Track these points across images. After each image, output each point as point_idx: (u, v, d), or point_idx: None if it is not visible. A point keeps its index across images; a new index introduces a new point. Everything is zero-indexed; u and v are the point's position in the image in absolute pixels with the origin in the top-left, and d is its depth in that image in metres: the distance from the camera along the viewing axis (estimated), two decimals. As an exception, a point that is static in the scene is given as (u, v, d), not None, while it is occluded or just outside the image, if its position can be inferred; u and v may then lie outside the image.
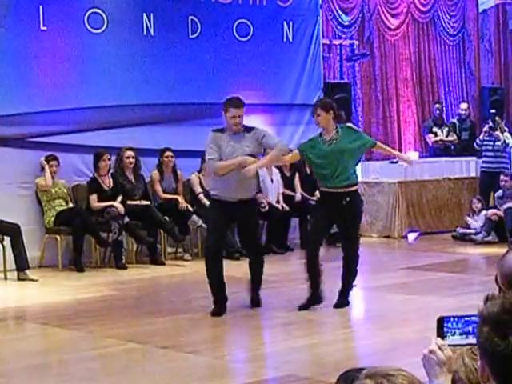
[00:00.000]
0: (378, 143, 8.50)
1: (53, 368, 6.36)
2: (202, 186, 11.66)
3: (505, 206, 12.34)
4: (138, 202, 11.08)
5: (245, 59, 12.50)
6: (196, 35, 12.14)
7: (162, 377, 5.95)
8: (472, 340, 2.36)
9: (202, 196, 11.57)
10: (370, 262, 11.73)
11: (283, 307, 7.97)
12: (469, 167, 14.34)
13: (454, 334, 2.44)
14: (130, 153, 11.18)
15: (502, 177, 12.97)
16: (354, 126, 8.31)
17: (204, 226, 11.33)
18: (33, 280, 9.77)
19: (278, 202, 12.07)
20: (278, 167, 12.15)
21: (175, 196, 11.46)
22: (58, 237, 10.64)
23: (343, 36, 14.72)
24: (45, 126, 10.92)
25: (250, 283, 8.14)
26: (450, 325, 2.44)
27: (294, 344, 6.83)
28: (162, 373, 6.02)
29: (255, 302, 8.10)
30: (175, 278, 10.19)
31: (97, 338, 7.11)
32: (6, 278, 9.94)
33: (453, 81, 16.37)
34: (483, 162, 13.86)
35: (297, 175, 12.46)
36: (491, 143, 13.76)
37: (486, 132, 13.87)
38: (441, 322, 2.44)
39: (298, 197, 12.30)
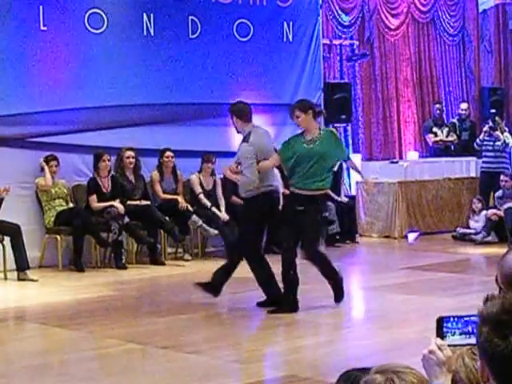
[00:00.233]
0: (352, 159, 8.57)
1: (53, 368, 6.36)
2: (202, 186, 11.66)
3: (505, 206, 12.34)
4: (138, 202, 11.08)
5: (245, 59, 12.50)
6: (196, 35, 12.14)
7: (162, 377, 5.95)
8: (472, 340, 2.36)
9: (201, 196, 11.57)
10: (370, 262, 11.75)
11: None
12: (469, 167, 14.34)
13: (454, 334, 2.44)
14: (130, 153, 11.18)
15: (502, 177, 12.97)
16: (336, 133, 8.24)
17: (204, 225, 11.35)
18: (33, 280, 9.77)
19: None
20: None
21: (175, 196, 11.46)
22: (58, 237, 10.64)
23: (343, 36, 14.72)
24: (45, 126, 10.93)
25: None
26: (449, 325, 2.44)
27: (294, 344, 6.83)
28: (162, 373, 6.02)
29: None
30: (175, 277, 10.19)
31: (97, 338, 7.11)
32: (5, 278, 9.94)
33: (453, 81, 16.37)
34: (483, 162, 13.87)
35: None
36: (491, 143, 13.77)
37: (486, 132, 13.87)
38: (440, 322, 2.44)
39: None
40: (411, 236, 13.05)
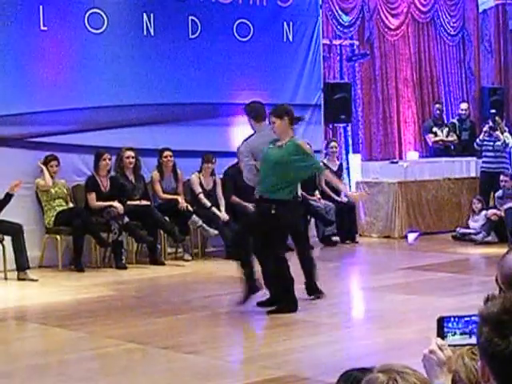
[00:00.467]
0: (327, 172, 8.41)
1: (53, 368, 6.36)
2: (202, 186, 11.67)
3: (505, 206, 12.33)
4: (137, 202, 11.08)
5: (245, 59, 12.50)
6: (196, 35, 12.13)
7: (162, 377, 5.95)
8: (472, 340, 2.36)
9: (201, 196, 11.57)
10: (370, 262, 11.75)
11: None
12: (469, 167, 14.34)
13: (455, 334, 2.44)
14: (129, 153, 11.18)
15: (502, 177, 12.97)
16: (302, 147, 7.89)
17: (204, 225, 11.35)
18: (33, 280, 9.77)
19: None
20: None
21: (175, 196, 11.46)
22: (58, 237, 10.64)
23: (343, 36, 14.71)
24: (45, 126, 10.92)
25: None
26: (450, 325, 2.44)
27: (293, 344, 6.83)
28: (162, 373, 6.02)
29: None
30: (175, 277, 10.19)
31: (97, 338, 7.11)
32: (6, 278, 9.93)
33: (453, 81, 16.37)
34: (483, 162, 13.86)
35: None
36: (491, 143, 13.76)
37: (486, 132, 13.86)
38: (441, 322, 2.44)
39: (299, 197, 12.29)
40: (411, 236, 13.04)
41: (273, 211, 7.67)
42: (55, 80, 10.97)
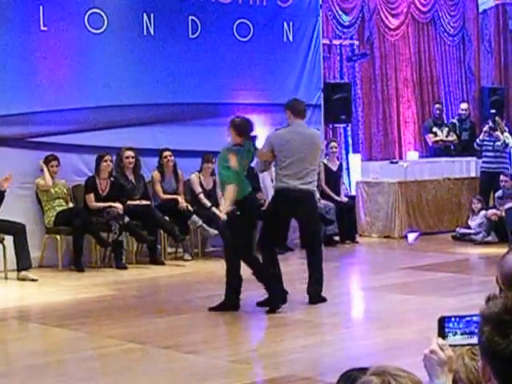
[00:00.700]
0: (231, 186, 8.21)
1: (52, 368, 6.35)
2: (202, 186, 11.67)
3: (506, 207, 12.32)
4: (138, 202, 11.08)
5: (245, 59, 12.50)
6: (196, 35, 12.13)
7: (162, 377, 5.95)
8: (473, 340, 2.36)
9: (202, 196, 11.58)
10: (370, 262, 11.75)
11: (283, 307, 7.96)
12: (469, 167, 14.33)
13: (455, 334, 2.43)
14: (129, 153, 11.18)
15: (501, 177, 12.97)
16: (223, 154, 8.16)
17: (204, 225, 11.35)
18: (32, 280, 9.77)
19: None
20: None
21: (175, 196, 11.46)
22: (58, 237, 10.64)
23: (343, 36, 14.72)
24: (45, 126, 10.93)
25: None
26: (451, 325, 2.44)
27: (293, 344, 6.83)
28: (162, 373, 6.02)
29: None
30: (175, 277, 10.19)
31: (97, 338, 7.11)
32: (6, 278, 9.93)
33: (453, 81, 16.37)
34: (483, 162, 13.86)
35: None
36: (491, 143, 13.76)
37: (486, 132, 13.86)
38: (442, 321, 2.44)
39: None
40: (411, 236, 13.05)
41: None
42: (55, 80, 10.97)
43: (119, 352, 6.62)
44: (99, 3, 11.34)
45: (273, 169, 12.11)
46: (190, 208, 11.38)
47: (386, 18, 15.31)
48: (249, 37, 12.60)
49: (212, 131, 12.05)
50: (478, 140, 14.06)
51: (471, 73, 16.63)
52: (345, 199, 13.04)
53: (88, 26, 11.25)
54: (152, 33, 11.74)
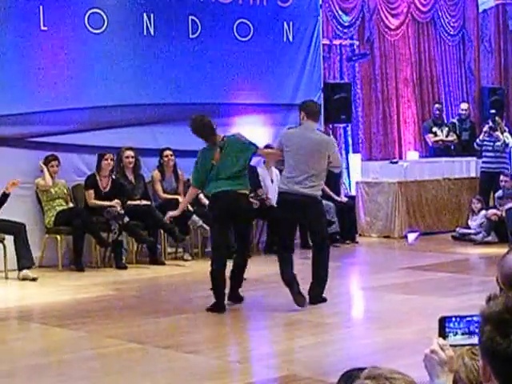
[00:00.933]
0: (190, 188, 8.78)
1: (52, 368, 6.35)
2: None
3: (506, 207, 12.32)
4: (138, 202, 11.08)
5: (245, 59, 12.50)
6: (196, 35, 12.13)
7: (162, 376, 5.95)
8: (474, 340, 2.36)
9: (201, 196, 11.57)
10: (370, 262, 11.75)
11: (283, 307, 7.96)
12: (469, 167, 14.33)
13: (456, 334, 2.44)
14: (129, 152, 11.19)
15: (501, 177, 12.97)
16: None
17: (204, 225, 11.35)
18: (33, 279, 9.77)
19: (277, 201, 12.04)
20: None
21: (175, 196, 11.46)
22: (58, 237, 10.64)
23: (343, 36, 14.71)
24: (45, 126, 10.93)
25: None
26: (451, 325, 2.44)
27: (293, 344, 6.84)
28: (162, 372, 6.02)
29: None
30: (175, 277, 10.19)
31: (97, 337, 7.11)
32: (6, 278, 9.94)
33: (453, 81, 16.37)
34: (483, 162, 13.86)
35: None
36: (491, 143, 13.76)
37: (486, 132, 13.87)
38: (442, 321, 2.44)
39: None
40: (411, 236, 13.05)
41: None
42: (55, 80, 10.97)
43: (119, 352, 6.62)
44: (99, 3, 11.34)
45: (273, 169, 12.19)
46: (190, 208, 11.37)
47: (386, 17, 15.31)
48: (249, 37, 12.60)
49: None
50: (478, 140, 14.06)
51: (471, 73, 16.63)
52: (345, 199, 13.04)
53: (88, 26, 11.24)
54: (152, 33, 11.74)
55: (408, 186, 13.43)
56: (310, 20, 13.29)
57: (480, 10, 16.64)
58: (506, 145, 13.83)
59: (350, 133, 14.89)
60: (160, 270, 10.63)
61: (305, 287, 8.09)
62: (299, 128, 8.42)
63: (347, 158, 14.78)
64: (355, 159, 14.75)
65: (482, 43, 16.74)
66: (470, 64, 16.61)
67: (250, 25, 12.61)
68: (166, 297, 9.01)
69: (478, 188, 13.78)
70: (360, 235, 13.25)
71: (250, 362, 6.39)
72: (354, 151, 14.93)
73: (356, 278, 10.81)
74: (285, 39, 13.01)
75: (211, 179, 8.08)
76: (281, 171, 9.39)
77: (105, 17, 11.36)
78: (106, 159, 10.89)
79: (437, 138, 14.96)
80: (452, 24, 16.21)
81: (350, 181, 14.49)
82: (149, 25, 11.72)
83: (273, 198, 12.05)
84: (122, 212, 10.68)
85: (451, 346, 2.42)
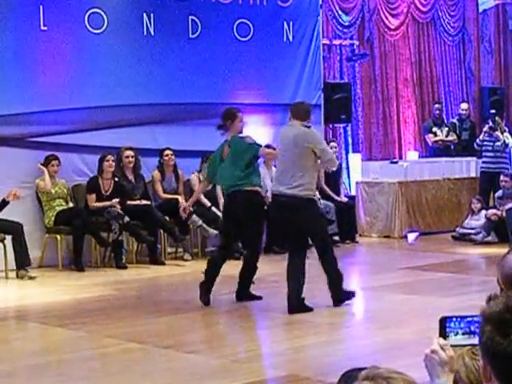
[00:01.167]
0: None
1: (52, 367, 6.35)
2: (201, 186, 11.67)
3: (506, 207, 12.32)
4: (138, 202, 11.08)
5: (245, 59, 12.50)
6: (196, 35, 12.13)
7: (162, 376, 5.95)
8: (474, 340, 2.36)
9: (201, 196, 11.57)
10: (370, 262, 11.75)
11: (283, 307, 7.96)
12: (469, 167, 14.34)
13: (457, 334, 2.44)
14: (129, 152, 11.19)
15: (501, 177, 12.97)
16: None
17: (204, 225, 11.35)
18: (31, 278, 9.78)
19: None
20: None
21: (175, 196, 11.46)
22: (58, 237, 10.65)
23: (343, 36, 14.72)
24: (45, 126, 10.93)
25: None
26: (452, 325, 2.44)
27: (293, 344, 6.83)
28: (162, 372, 6.02)
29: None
30: (175, 277, 10.19)
31: (97, 337, 7.11)
32: (7, 278, 9.94)
33: (453, 81, 16.38)
34: (483, 162, 13.86)
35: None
36: (491, 143, 13.76)
37: (485, 132, 13.87)
38: (443, 321, 2.44)
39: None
40: (411, 236, 13.05)
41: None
42: (55, 80, 10.97)
43: (119, 352, 6.62)
44: (99, 3, 11.34)
45: (273, 168, 12.19)
46: (190, 208, 11.36)
47: (386, 18, 15.31)
48: (249, 37, 12.61)
49: (212, 131, 12.00)
50: (477, 140, 14.06)
51: (471, 73, 16.63)
52: (345, 199, 13.04)
53: (88, 26, 11.25)
54: (152, 33, 11.74)
55: (408, 185, 13.43)
56: (309, 20, 13.29)
57: (480, 10, 16.64)
58: (506, 145, 13.83)
59: (349, 133, 14.90)
60: (160, 270, 10.63)
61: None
62: (284, 127, 8.49)
63: (347, 158, 14.78)
64: (355, 159, 14.75)
65: (482, 43, 16.74)
66: (469, 64, 16.61)
67: (250, 25, 12.61)
68: (166, 296, 9.01)
69: (478, 188, 13.78)
70: (360, 235, 13.25)
71: (250, 362, 6.39)
72: (354, 151, 14.94)
73: (356, 278, 10.80)
74: (285, 39, 13.01)
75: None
76: None
77: (105, 17, 11.36)
78: (108, 160, 10.88)
79: (437, 138, 14.96)
80: (452, 24, 16.22)
81: (349, 181, 14.49)
82: (149, 25, 11.72)
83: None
84: (122, 212, 10.68)
85: (452, 346, 2.42)
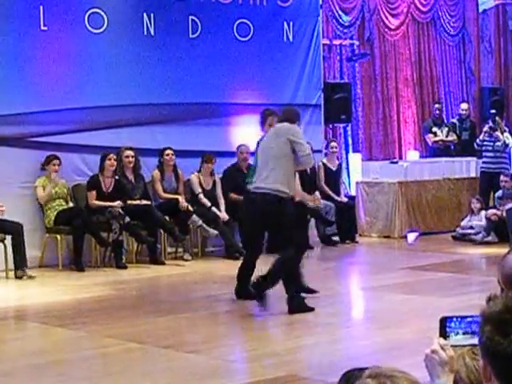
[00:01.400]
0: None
1: (53, 368, 6.35)
2: (201, 186, 11.67)
3: (506, 207, 12.31)
4: (138, 202, 11.08)
5: (245, 59, 12.50)
6: (196, 35, 12.13)
7: (162, 376, 5.95)
8: (474, 340, 2.36)
9: (201, 196, 11.58)
10: (370, 262, 11.75)
11: (283, 307, 7.96)
12: (469, 167, 14.33)
13: (457, 334, 2.44)
14: (129, 152, 11.19)
15: (501, 177, 12.97)
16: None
17: (204, 225, 11.35)
18: (30, 277, 9.78)
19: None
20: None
21: (175, 196, 11.46)
22: (58, 236, 10.64)
23: (343, 36, 14.72)
24: (45, 126, 10.92)
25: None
26: (452, 325, 2.44)
27: (293, 344, 6.83)
28: (162, 372, 6.02)
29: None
30: (175, 277, 10.19)
31: (97, 337, 7.11)
32: (7, 277, 9.94)
33: (453, 81, 16.38)
34: (483, 162, 13.86)
35: (297, 175, 12.42)
36: (491, 143, 13.76)
37: (486, 132, 13.86)
38: (443, 321, 2.45)
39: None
40: (411, 236, 13.04)
41: None
42: (55, 80, 10.96)
43: (119, 352, 6.62)
44: (99, 3, 11.34)
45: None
46: (190, 208, 11.38)
47: (386, 18, 15.32)
48: (249, 37, 12.60)
49: (212, 131, 12.07)
50: (478, 140, 14.06)
51: (471, 73, 16.63)
52: (345, 199, 13.04)
53: (88, 26, 11.24)
54: (152, 33, 11.74)
55: (408, 185, 13.43)
56: (309, 20, 13.29)
57: (480, 10, 16.65)
58: (506, 145, 13.83)
59: (349, 133, 14.90)
60: (160, 270, 10.63)
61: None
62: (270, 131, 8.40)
63: (347, 158, 14.78)
64: (355, 159, 14.75)
65: (482, 43, 16.75)
66: (469, 64, 16.62)
67: (250, 25, 12.61)
68: (166, 296, 9.01)
69: (478, 188, 13.78)
70: (360, 235, 13.25)
71: (249, 362, 6.39)
72: (354, 151, 14.94)
73: (356, 277, 10.81)
74: (285, 39, 13.01)
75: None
76: None
77: (105, 17, 11.36)
78: (110, 159, 10.87)
79: (437, 138, 14.96)
80: (452, 24, 16.22)
81: (350, 181, 14.49)
82: (149, 25, 11.72)
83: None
84: (121, 210, 10.68)
85: (452, 346, 2.42)
